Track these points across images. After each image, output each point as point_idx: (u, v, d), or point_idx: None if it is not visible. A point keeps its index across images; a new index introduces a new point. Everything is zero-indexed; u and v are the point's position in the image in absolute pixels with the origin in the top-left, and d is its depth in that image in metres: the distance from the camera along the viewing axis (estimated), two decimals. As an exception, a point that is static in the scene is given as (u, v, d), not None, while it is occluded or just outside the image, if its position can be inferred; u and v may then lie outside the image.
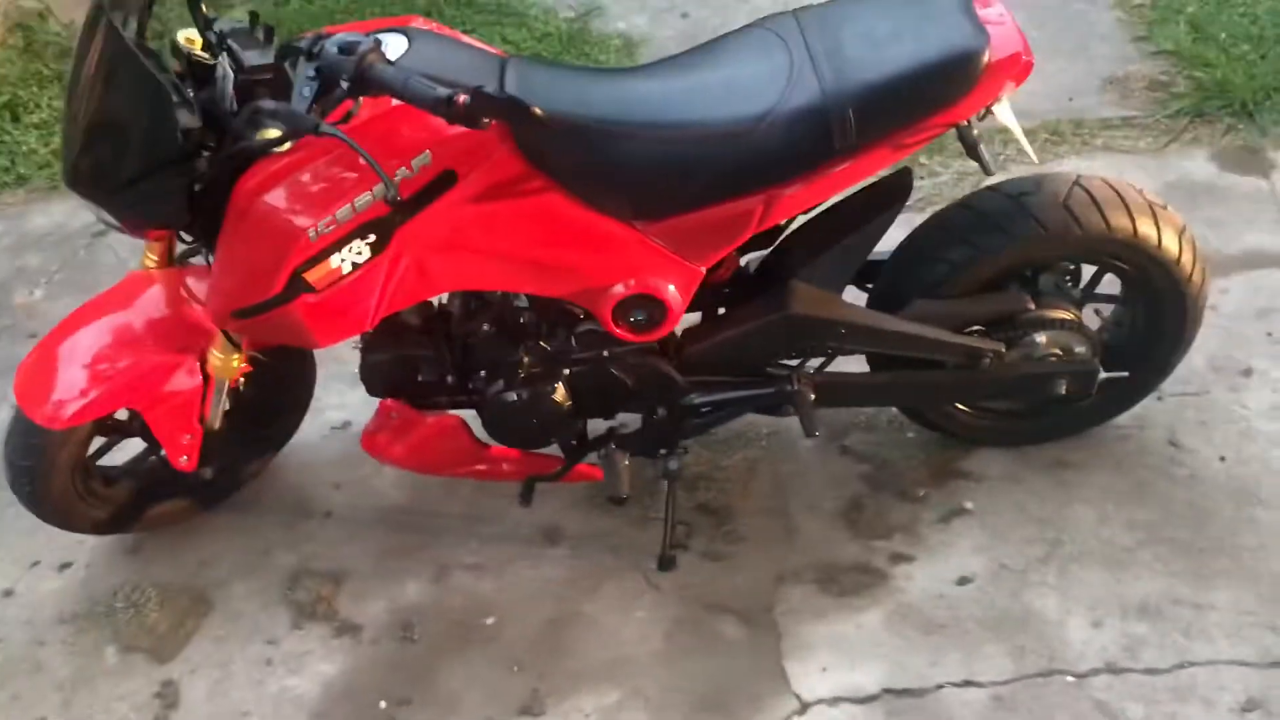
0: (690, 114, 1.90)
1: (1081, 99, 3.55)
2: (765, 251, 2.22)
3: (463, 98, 1.55)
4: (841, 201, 2.14)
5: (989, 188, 2.22)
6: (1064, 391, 2.25)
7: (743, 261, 2.24)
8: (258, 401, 2.39)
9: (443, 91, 1.56)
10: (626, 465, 2.23)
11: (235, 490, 2.54)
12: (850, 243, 2.12)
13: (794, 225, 2.17)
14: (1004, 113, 2.00)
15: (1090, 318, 2.38)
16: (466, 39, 2.01)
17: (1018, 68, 1.93)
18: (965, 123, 1.96)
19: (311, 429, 2.63)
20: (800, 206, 1.99)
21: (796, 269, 2.13)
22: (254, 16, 1.88)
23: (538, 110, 1.77)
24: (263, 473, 2.57)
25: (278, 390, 2.43)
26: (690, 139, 1.88)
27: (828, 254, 2.12)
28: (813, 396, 2.17)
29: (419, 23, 1.97)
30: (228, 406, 2.23)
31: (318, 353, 2.41)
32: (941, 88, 1.88)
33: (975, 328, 2.25)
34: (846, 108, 1.85)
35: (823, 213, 2.14)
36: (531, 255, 1.96)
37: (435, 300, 2.14)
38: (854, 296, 2.25)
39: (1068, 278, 2.31)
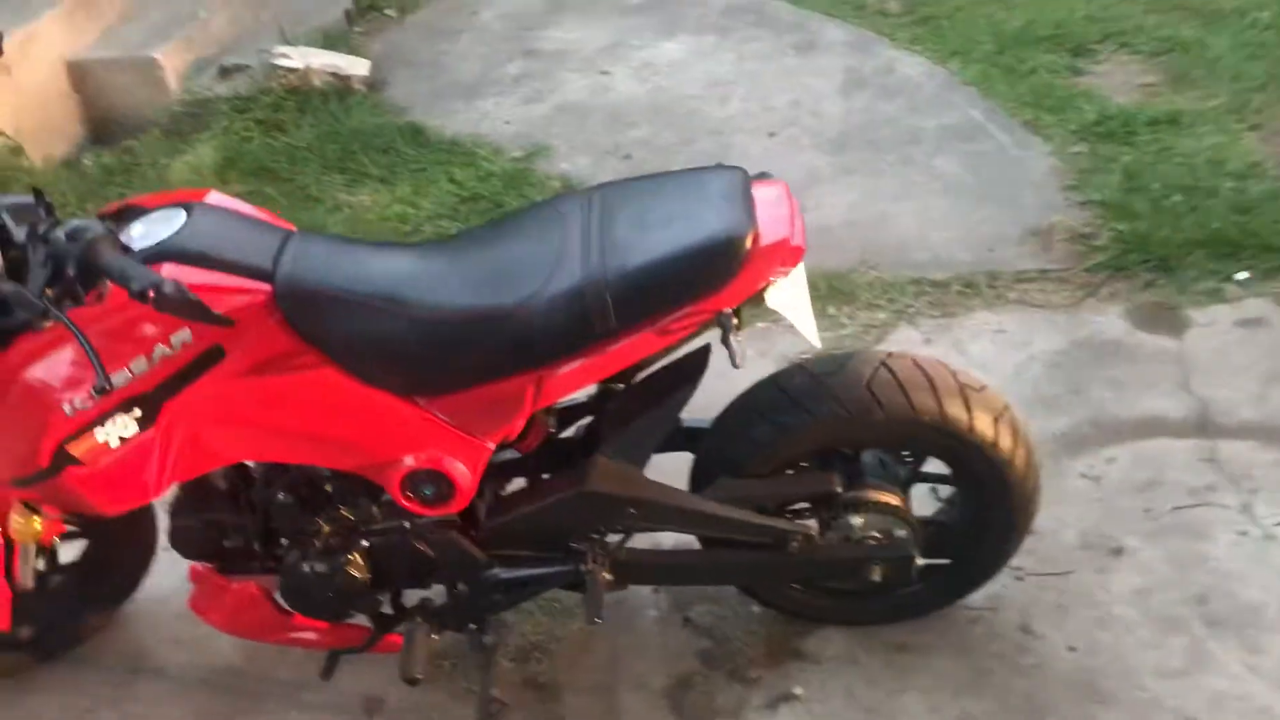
0: (457, 294, 1.86)
1: (1002, 249, 3.46)
2: (583, 419, 2.17)
3: (151, 292, 1.54)
4: (650, 374, 2.08)
5: (798, 364, 2.14)
6: (879, 578, 2.14)
7: (568, 428, 2.19)
8: (88, 558, 2.36)
9: (135, 285, 1.55)
10: (429, 640, 2.15)
11: (75, 644, 2.50)
12: (651, 416, 2.05)
13: (610, 393, 2.12)
14: (779, 299, 1.93)
15: (930, 499, 2.28)
16: (255, 213, 2.01)
17: (785, 253, 1.87)
18: (727, 311, 1.89)
19: (168, 578, 2.60)
20: (572, 387, 1.93)
21: (602, 441, 2.07)
22: (38, 193, 1.90)
23: (307, 289, 1.78)
24: (106, 626, 2.54)
25: (108, 546, 2.40)
26: (454, 320, 1.85)
27: (632, 427, 2.06)
28: (609, 576, 2.09)
29: (213, 196, 1.98)
30: (42, 566, 2.20)
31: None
32: (700, 275, 1.82)
33: (798, 505, 2.16)
34: (604, 293, 1.80)
35: (631, 385, 2.08)
36: (309, 430, 1.92)
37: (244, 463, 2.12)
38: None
39: (903, 456, 2.22)
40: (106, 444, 1.83)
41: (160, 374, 1.79)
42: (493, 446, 1.97)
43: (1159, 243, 3.32)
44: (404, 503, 1.98)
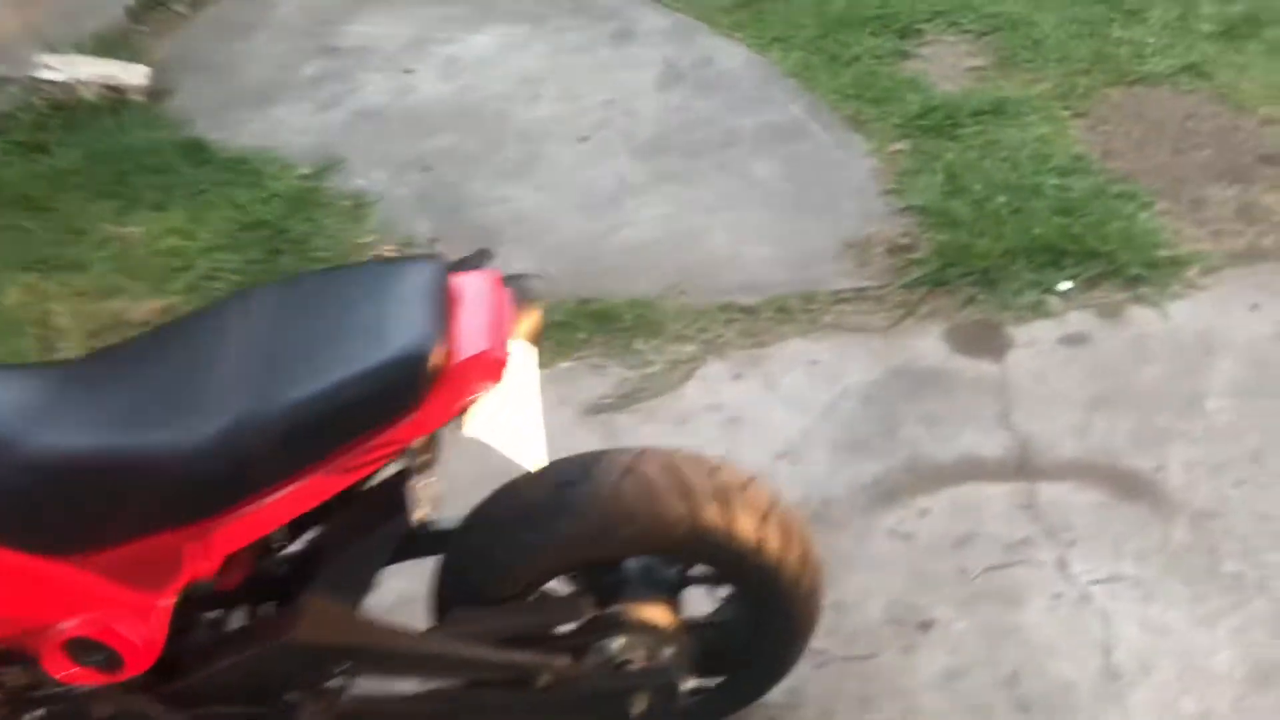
0: (84, 432, 1.53)
1: (818, 266, 3.21)
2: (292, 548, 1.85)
3: None
4: (368, 491, 1.77)
5: (539, 471, 1.85)
6: (642, 709, 1.87)
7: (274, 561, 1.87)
8: None
9: None
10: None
11: None
12: (365, 546, 1.75)
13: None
14: (482, 424, 1.62)
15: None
16: None
17: (485, 368, 1.57)
18: (413, 446, 1.59)
19: None
20: (246, 538, 1.61)
21: (314, 577, 1.75)
22: None
23: None
24: None
25: None
26: (79, 465, 1.51)
27: (343, 559, 1.75)
28: (329, 730, 1.79)
29: None
30: None
31: None
32: (375, 406, 1.51)
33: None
34: (263, 435, 1.48)
35: (341, 516, 1.77)
36: None
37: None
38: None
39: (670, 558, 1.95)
40: None
41: None
42: (168, 602, 1.64)
43: (980, 253, 3.11)
44: (68, 673, 1.65)
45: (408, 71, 4.33)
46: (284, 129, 4.10)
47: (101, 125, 4.13)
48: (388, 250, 1.79)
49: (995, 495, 2.50)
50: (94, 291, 3.38)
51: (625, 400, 2.85)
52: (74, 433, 1.52)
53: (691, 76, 4.10)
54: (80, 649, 1.63)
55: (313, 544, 1.83)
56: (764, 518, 1.81)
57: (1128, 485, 2.51)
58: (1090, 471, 2.54)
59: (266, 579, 1.84)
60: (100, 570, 1.59)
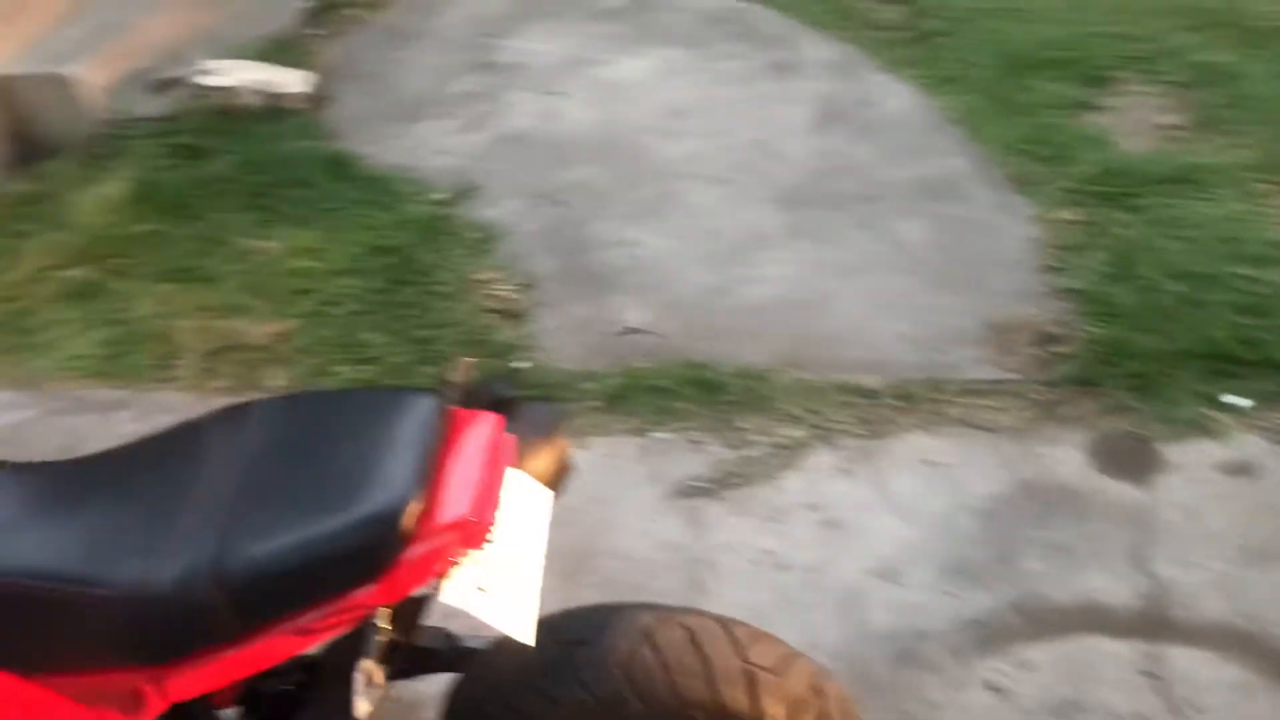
0: (40, 554, 1.41)
1: (954, 350, 2.89)
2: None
3: None
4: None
5: (546, 627, 1.63)
6: None
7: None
8: None
9: None
10: None
11: None
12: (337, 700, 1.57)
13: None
14: (461, 591, 1.42)
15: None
16: None
17: (465, 534, 1.37)
18: (375, 616, 1.40)
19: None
20: (203, 686, 1.47)
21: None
22: None
23: None
24: None
25: None
26: (27, 590, 1.39)
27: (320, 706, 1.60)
28: None
29: None
30: None
31: None
32: (340, 567, 1.33)
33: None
34: (216, 589, 1.33)
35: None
36: None
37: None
38: None
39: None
40: None
41: None
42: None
43: (1140, 352, 2.72)
44: None
45: (557, 94, 4.17)
46: (428, 148, 4.01)
47: (259, 132, 4.14)
48: (461, 366, 1.62)
49: (1115, 654, 2.16)
50: (220, 308, 3.36)
51: (718, 484, 2.62)
52: (35, 554, 1.41)
53: (849, 117, 3.79)
54: None
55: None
56: (800, 708, 1.55)
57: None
58: (1235, 641, 2.16)
59: (262, 697, 1.71)
60: (72, 695, 1.48)
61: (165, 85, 4.33)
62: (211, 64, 4.31)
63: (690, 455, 2.70)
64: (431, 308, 3.24)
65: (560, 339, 3.09)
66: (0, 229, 3.82)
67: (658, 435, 2.76)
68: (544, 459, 1.60)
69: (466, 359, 1.65)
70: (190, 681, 1.42)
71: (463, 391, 1.59)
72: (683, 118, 3.91)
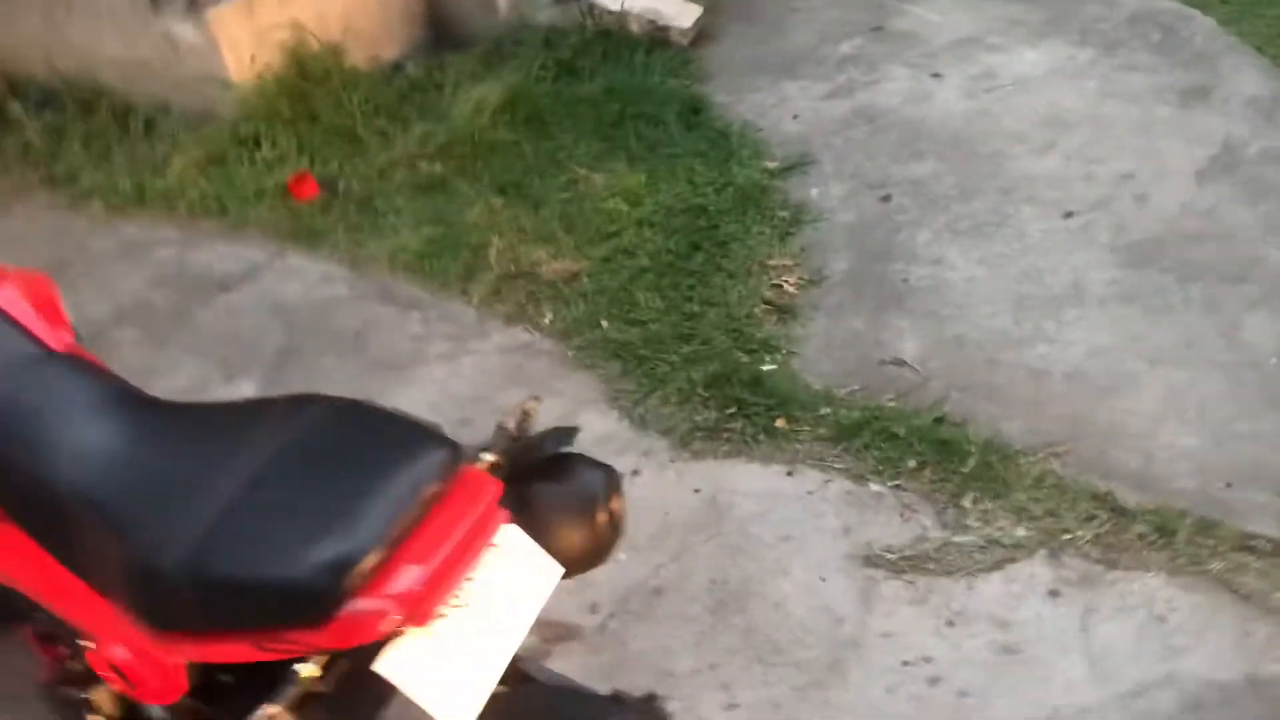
0: (90, 478, 1.50)
1: (1246, 490, 2.38)
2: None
3: None
4: None
5: None
6: None
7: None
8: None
9: None
10: None
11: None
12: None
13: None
14: (395, 665, 1.34)
15: None
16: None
17: (407, 611, 1.30)
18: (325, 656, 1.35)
19: None
20: (173, 659, 1.51)
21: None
22: None
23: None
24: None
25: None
26: (72, 503, 1.50)
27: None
28: None
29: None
30: None
31: None
32: (281, 606, 1.32)
33: None
34: (179, 589, 1.36)
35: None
36: None
37: None
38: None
39: None
40: None
41: None
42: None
43: None
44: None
45: (935, 75, 3.82)
46: (786, 108, 3.84)
47: (634, 61, 4.15)
48: (520, 411, 1.55)
49: None
50: (532, 232, 3.45)
51: (910, 563, 2.36)
52: (103, 485, 1.50)
53: (1249, 172, 3.17)
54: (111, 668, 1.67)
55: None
56: None
57: None
58: None
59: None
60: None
61: (567, -1, 4.42)
62: (613, -17, 4.34)
63: (895, 520, 2.45)
64: (712, 283, 3.13)
65: (820, 350, 2.89)
66: (391, 110, 4.11)
67: (873, 486, 2.53)
68: (575, 531, 1.49)
69: (531, 401, 1.56)
70: (165, 652, 1.48)
71: (511, 440, 1.51)
72: (1057, 129, 3.45)
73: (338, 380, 3.04)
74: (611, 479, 1.55)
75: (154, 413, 1.63)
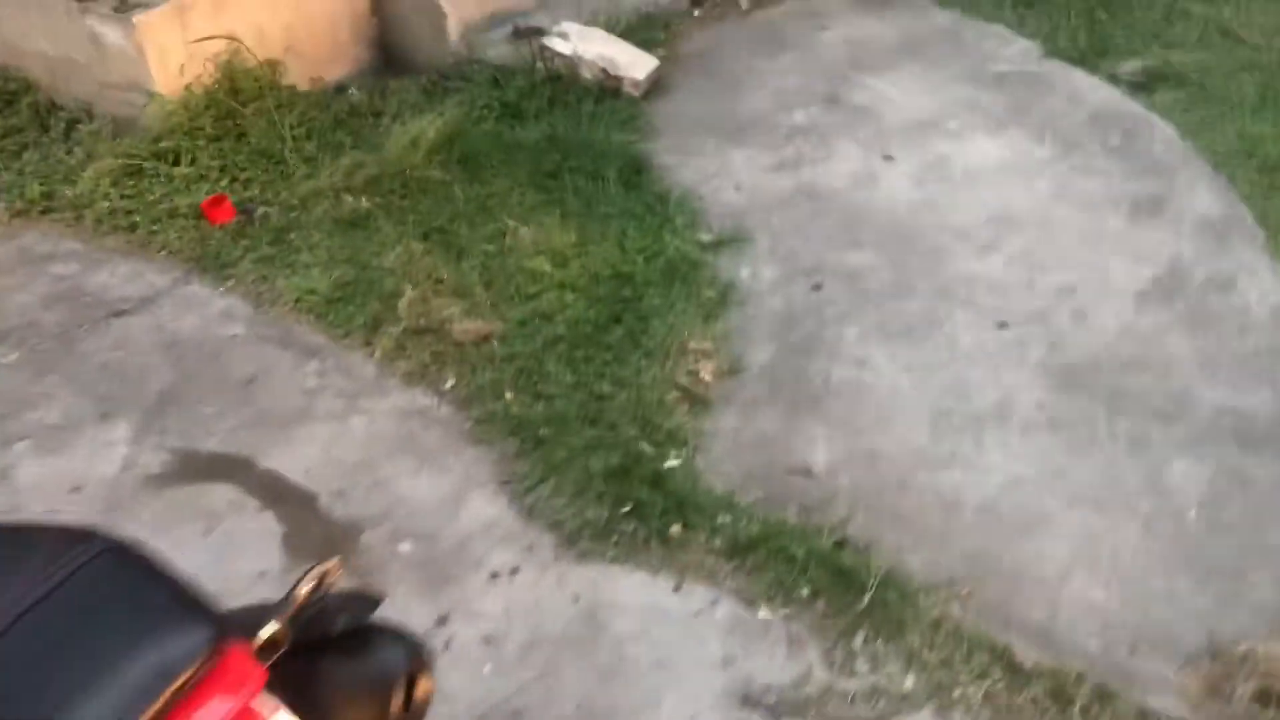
0: None
1: (1149, 660, 2.22)
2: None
3: None
4: None
5: None
6: None
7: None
8: None
9: None
10: None
11: None
12: None
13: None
14: None
15: None
16: None
17: None
18: None
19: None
20: None
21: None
22: None
23: None
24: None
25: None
26: None
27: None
28: None
29: None
30: None
31: None
32: None
33: None
34: None
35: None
36: None
37: None
38: None
39: None
40: None
41: None
42: None
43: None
44: None
45: (886, 158, 3.66)
46: (728, 176, 3.67)
47: (582, 110, 3.98)
48: (320, 573, 1.34)
49: None
50: (448, 286, 3.26)
51: (790, 708, 2.18)
52: None
53: (1193, 296, 3.02)
54: None
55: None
56: None
57: None
58: None
59: None
60: None
61: (522, 35, 4.24)
62: (571, 27, 4.17)
63: (781, 655, 2.28)
64: (628, 361, 2.95)
65: (728, 449, 2.71)
66: (324, 135, 3.92)
67: (762, 613, 2.35)
68: (367, 710, 1.30)
69: (332, 564, 1.36)
70: None
71: (302, 608, 1.31)
72: (1003, 229, 3.30)
73: (216, 433, 2.84)
74: (416, 659, 1.37)
75: None
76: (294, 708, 1.20)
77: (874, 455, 2.67)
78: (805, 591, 2.38)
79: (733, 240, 3.38)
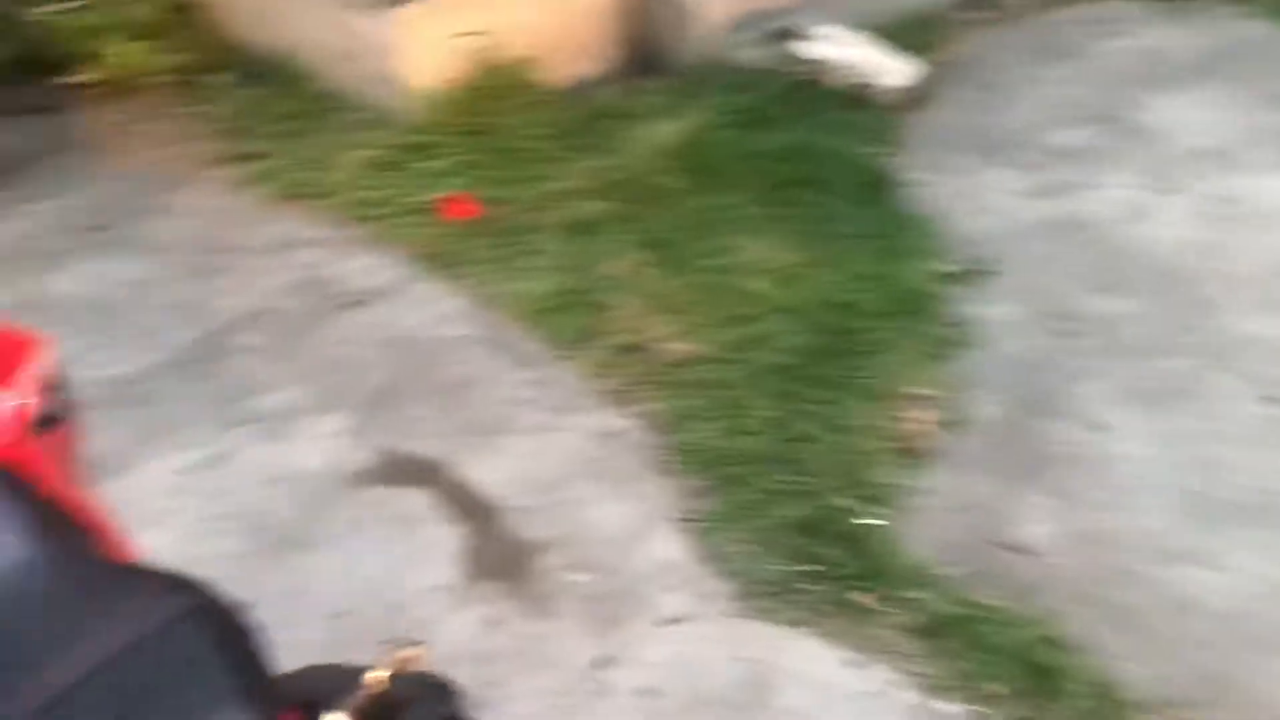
0: None
1: None
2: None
3: None
4: None
5: None
6: None
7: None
8: None
9: None
10: None
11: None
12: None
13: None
14: None
15: None
16: None
17: None
18: None
19: None
20: None
21: None
22: None
23: None
24: None
25: None
26: None
27: None
28: None
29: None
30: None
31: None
32: None
33: None
34: None
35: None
36: None
37: None
38: None
39: None
40: None
41: None
42: None
43: None
44: None
45: (1163, 190, 3.26)
46: (979, 200, 3.38)
47: (829, 119, 3.78)
48: (411, 653, 1.26)
49: None
50: (662, 301, 3.17)
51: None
52: None
53: None
54: None
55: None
56: None
57: None
58: None
59: None
60: None
61: (776, 37, 4.08)
62: (829, 30, 3.96)
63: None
64: (839, 401, 2.76)
65: (935, 512, 2.48)
66: (568, 136, 3.91)
67: (944, 706, 2.12)
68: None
69: (413, 651, 1.26)
70: None
71: (373, 698, 1.23)
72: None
73: (422, 435, 2.86)
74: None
75: (37, 554, 1.42)
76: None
77: (1101, 538, 2.36)
78: (998, 688, 2.12)
79: (974, 272, 3.10)
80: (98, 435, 3.00)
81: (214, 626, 1.21)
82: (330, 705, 1.19)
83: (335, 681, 1.26)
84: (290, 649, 2.29)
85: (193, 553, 2.57)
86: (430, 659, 1.28)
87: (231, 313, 3.37)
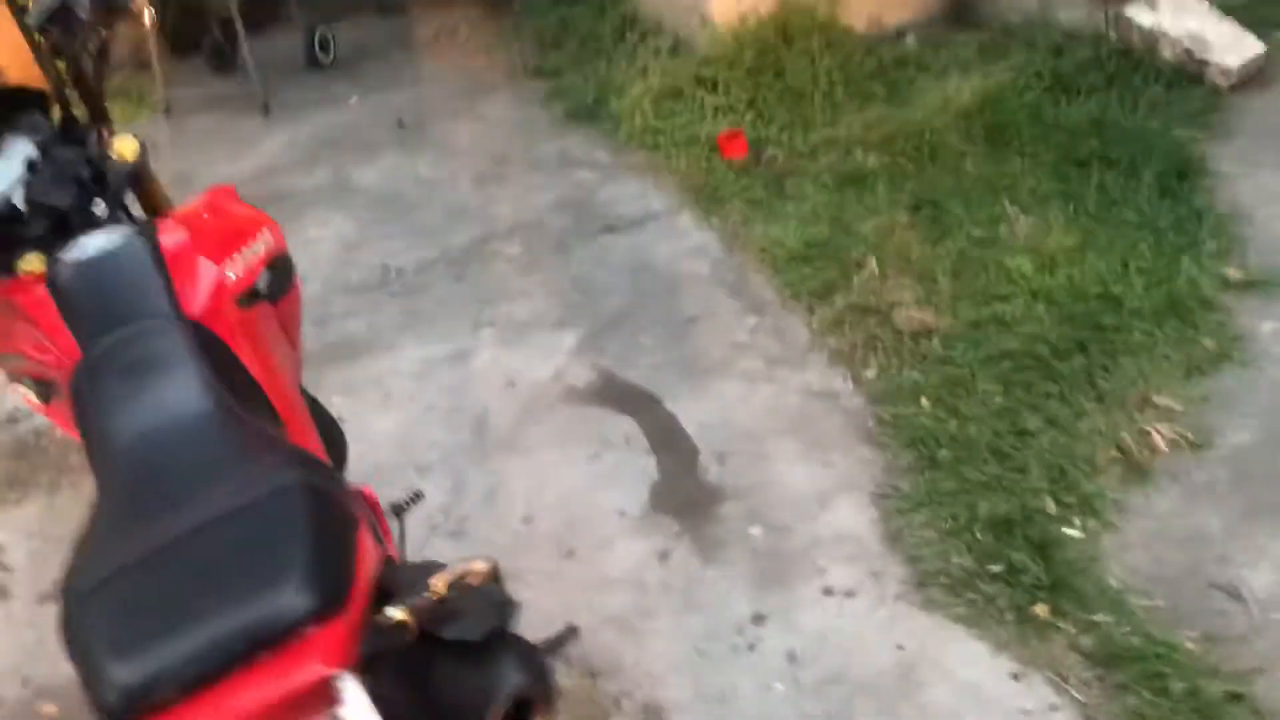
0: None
1: None
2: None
3: None
4: None
5: None
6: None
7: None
8: None
9: None
10: None
11: None
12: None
13: None
14: None
15: None
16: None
17: None
18: None
19: None
20: None
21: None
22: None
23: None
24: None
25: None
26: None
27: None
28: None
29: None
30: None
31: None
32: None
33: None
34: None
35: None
36: None
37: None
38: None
39: None
40: None
41: None
42: None
43: None
44: None
45: None
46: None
47: (1146, 93, 3.48)
48: (477, 566, 1.30)
49: None
50: (913, 266, 3.05)
51: None
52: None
53: None
54: None
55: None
56: None
57: None
58: None
59: None
60: None
61: (1107, -2, 3.75)
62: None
63: None
64: (1071, 399, 2.57)
65: (1147, 536, 2.26)
66: (858, 83, 3.83)
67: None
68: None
69: (479, 565, 1.29)
70: None
71: (433, 603, 1.27)
72: None
73: (642, 366, 2.93)
74: (537, 684, 1.28)
75: (194, 416, 1.54)
76: (390, 703, 1.19)
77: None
78: (1166, 739, 1.94)
79: (1267, 283, 2.76)
80: (373, 314, 3.30)
81: (311, 505, 1.30)
82: (397, 600, 1.26)
83: (418, 579, 1.33)
84: (477, 545, 2.43)
85: (418, 435, 2.78)
86: (499, 574, 1.33)
87: (501, 222, 3.56)
